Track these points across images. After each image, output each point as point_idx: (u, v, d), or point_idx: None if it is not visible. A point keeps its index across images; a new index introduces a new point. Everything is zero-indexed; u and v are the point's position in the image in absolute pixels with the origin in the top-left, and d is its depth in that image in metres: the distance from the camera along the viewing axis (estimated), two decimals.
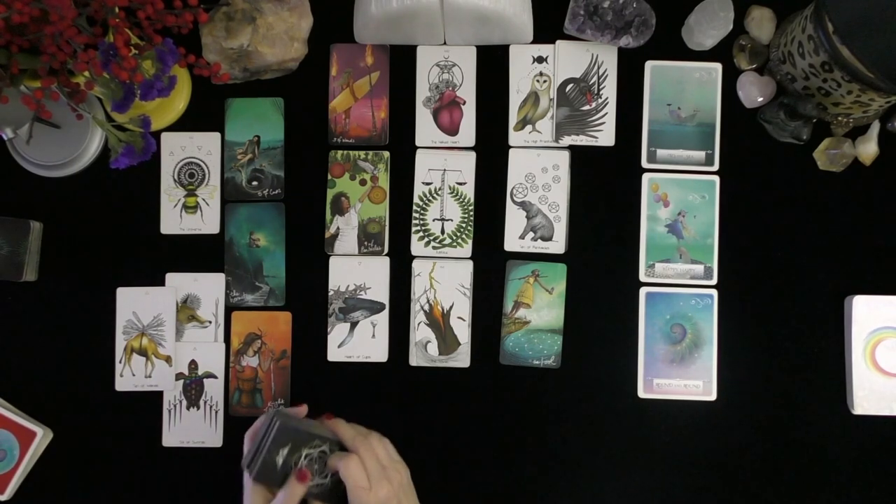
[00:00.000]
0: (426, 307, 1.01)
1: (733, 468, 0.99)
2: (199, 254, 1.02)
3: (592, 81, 1.02)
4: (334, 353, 1.01)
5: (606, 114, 1.02)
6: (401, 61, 1.03)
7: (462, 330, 1.01)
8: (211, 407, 1.01)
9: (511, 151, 1.02)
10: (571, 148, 1.02)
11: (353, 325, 1.01)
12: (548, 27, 1.02)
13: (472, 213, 1.02)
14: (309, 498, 0.83)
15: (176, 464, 1.01)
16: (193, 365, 1.02)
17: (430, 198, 1.02)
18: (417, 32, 1.00)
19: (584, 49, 1.02)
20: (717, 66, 1.02)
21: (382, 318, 1.01)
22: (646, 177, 1.01)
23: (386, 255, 1.02)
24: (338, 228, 1.02)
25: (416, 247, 1.02)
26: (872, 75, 0.86)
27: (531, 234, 1.01)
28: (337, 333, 1.01)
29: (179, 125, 1.03)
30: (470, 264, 1.01)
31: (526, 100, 1.02)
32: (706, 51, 1.02)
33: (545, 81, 1.02)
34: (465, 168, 1.02)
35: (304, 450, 0.82)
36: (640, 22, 0.98)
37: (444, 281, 1.01)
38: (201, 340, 1.02)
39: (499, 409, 1.01)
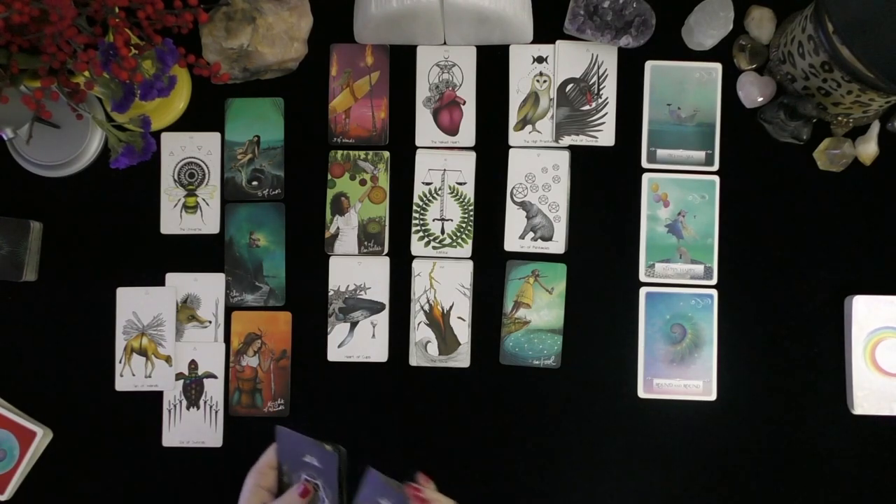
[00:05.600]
0: (426, 307, 1.01)
1: (733, 468, 0.99)
2: (199, 254, 1.02)
3: (592, 81, 1.02)
4: (334, 353, 1.01)
5: (606, 114, 1.02)
6: (401, 61, 1.03)
7: (462, 330, 1.01)
8: (211, 407, 1.01)
9: (511, 151, 1.02)
10: (571, 148, 1.02)
11: (353, 325, 1.01)
12: (548, 27, 1.02)
13: (472, 213, 1.02)
14: None
15: (176, 464, 1.01)
16: (193, 365, 1.02)
17: (430, 198, 1.02)
18: (417, 32, 1.00)
19: (584, 49, 1.02)
20: (717, 66, 1.02)
21: (382, 318, 1.01)
22: (646, 177, 1.01)
23: (386, 255, 1.02)
24: (338, 228, 1.02)
25: (416, 247, 1.02)
26: (872, 75, 0.86)
27: (531, 234, 1.01)
28: (337, 333, 1.01)
29: (179, 125, 1.03)
30: (470, 264, 1.01)
31: (526, 100, 1.02)
32: (706, 51, 1.02)
33: (545, 81, 1.02)
34: (465, 168, 1.02)
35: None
36: (640, 22, 0.98)
37: (444, 281, 1.01)
38: (201, 340, 1.02)
39: (499, 409, 1.00)
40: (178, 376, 1.01)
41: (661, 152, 1.01)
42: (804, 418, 0.99)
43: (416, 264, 1.01)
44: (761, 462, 0.99)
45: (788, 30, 0.97)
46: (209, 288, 1.02)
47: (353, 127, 1.03)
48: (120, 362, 1.01)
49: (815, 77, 0.94)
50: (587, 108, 1.02)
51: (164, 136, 1.03)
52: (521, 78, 1.02)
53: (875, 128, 1.00)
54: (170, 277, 1.02)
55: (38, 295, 1.02)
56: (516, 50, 1.03)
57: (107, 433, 1.01)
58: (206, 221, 1.03)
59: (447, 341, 1.01)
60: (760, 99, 1.01)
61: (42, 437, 1.00)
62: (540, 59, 1.02)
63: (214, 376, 1.01)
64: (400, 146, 1.03)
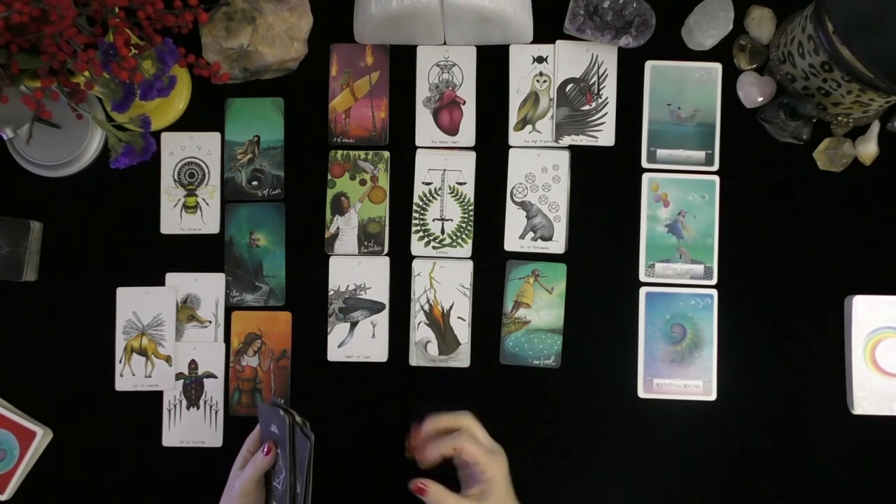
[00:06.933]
0: (426, 307, 1.01)
1: (733, 468, 0.99)
2: (199, 254, 1.02)
3: (592, 81, 1.02)
4: (334, 353, 1.01)
5: (606, 114, 1.02)
6: (401, 61, 1.03)
7: (462, 330, 1.01)
8: (211, 407, 1.01)
9: (511, 151, 1.02)
10: (571, 148, 1.02)
11: (353, 325, 1.01)
12: (548, 27, 1.02)
13: (472, 213, 1.02)
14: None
15: (176, 464, 1.01)
16: (193, 365, 1.02)
17: (430, 198, 1.02)
18: (417, 32, 1.00)
19: (584, 49, 1.02)
20: (717, 66, 1.02)
21: (382, 318, 1.01)
22: (646, 177, 1.01)
23: (386, 255, 1.02)
24: (338, 228, 1.02)
25: (416, 247, 1.02)
26: (872, 75, 0.86)
27: (531, 234, 1.01)
28: (337, 333, 1.01)
29: (179, 125, 1.03)
30: (470, 264, 1.01)
31: (526, 100, 1.02)
32: (706, 51, 1.02)
33: (545, 81, 1.02)
34: (465, 168, 1.02)
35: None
36: (640, 22, 0.98)
37: (444, 281, 1.01)
38: (201, 340, 1.02)
39: (499, 409, 1.00)
40: (178, 376, 1.01)
41: (661, 152, 1.01)
42: (804, 418, 0.99)
43: (416, 264, 1.01)
44: (761, 462, 0.99)
45: (788, 30, 0.97)
46: (209, 288, 1.02)
47: (353, 127, 1.03)
48: (120, 362, 1.01)
49: (815, 77, 0.94)
50: (587, 108, 1.02)
51: (164, 136, 1.03)
52: (521, 78, 1.02)
53: (875, 128, 1.00)
54: (170, 277, 1.02)
55: (38, 295, 1.02)
56: (516, 50, 1.03)
57: (107, 433, 1.01)
58: (206, 221, 1.03)
59: (447, 341, 1.01)
60: (760, 99, 1.01)
61: (42, 437, 1.00)
62: (540, 59, 1.02)
63: (214, 376, 1.01)
64: (400, 146, 1.03)
